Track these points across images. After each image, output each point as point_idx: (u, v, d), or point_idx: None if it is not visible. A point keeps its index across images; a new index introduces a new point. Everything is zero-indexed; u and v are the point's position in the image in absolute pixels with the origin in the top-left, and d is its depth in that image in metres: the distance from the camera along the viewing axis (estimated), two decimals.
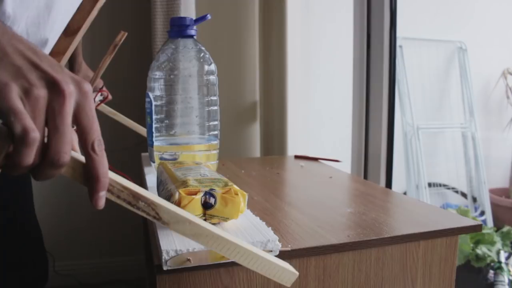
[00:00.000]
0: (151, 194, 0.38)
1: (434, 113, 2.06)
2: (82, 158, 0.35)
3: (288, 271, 0.41)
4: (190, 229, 0.39)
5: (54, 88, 0.33)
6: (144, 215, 0.38)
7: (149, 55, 1.43)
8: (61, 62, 0.44)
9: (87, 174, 0.35)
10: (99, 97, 0.99)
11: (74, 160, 0.35)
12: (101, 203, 0.35)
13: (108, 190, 0.36)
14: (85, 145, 0.34)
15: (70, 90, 0.33)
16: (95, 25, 1.66)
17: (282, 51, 1.33)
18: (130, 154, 1.29)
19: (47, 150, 0.33)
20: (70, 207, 1.58)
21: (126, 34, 0.90)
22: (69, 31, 0.43)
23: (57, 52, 0.43)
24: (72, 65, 1.08)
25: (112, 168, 0.39)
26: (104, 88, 1.04)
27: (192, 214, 0.41)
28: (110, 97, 1.07)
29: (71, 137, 0.33)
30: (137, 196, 0.37)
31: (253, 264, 0.40)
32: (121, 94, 1.55)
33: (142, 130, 1.07)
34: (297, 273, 0.42)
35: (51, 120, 0.33)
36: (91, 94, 0.35)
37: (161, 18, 1.31)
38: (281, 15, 1.32)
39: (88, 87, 0.35)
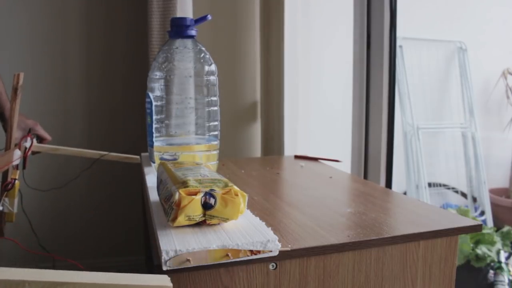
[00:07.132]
0: None
1: (434, 113, 2.06)
2: None
3: None
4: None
5: None
6: None
7: (145, 55, 1.43)
8: None
9: None
10: (28, 143, 0.89)
11: None
12: None
13: None
14: None
15: None
16: (92, 25, 1.66)
17: (282, 51, 1.33)
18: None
19: None
20: (70, 207, 1.58)
21: (23, 73, 0.82)
22: None
23: None
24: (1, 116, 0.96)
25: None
26: (34, 131, 0.95)
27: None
28: (48, 137, 0.98)
29: None
30: None
31: None
32: (121, 94, 1.56)
33: (90, 153, 1.00)
34: (171, 284, 0.39)
35: None
36: None
37: (157, 18, 1.31)
38: (281, 15, 1.32)
39: None
